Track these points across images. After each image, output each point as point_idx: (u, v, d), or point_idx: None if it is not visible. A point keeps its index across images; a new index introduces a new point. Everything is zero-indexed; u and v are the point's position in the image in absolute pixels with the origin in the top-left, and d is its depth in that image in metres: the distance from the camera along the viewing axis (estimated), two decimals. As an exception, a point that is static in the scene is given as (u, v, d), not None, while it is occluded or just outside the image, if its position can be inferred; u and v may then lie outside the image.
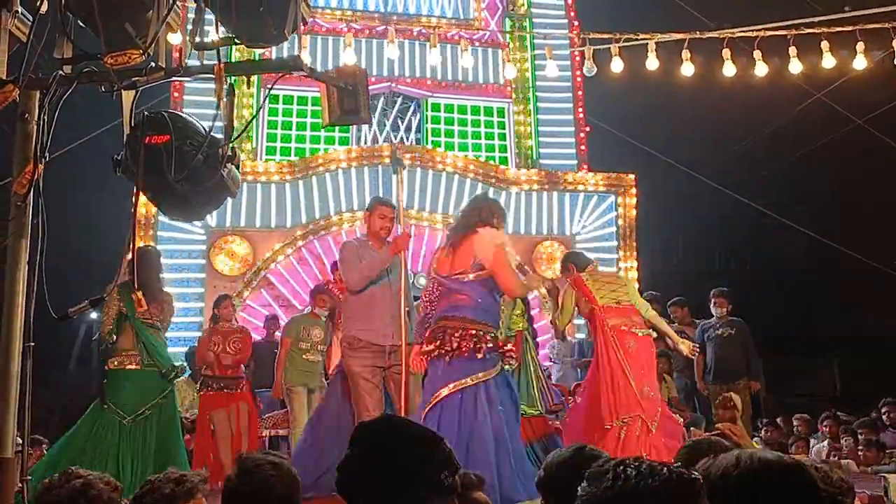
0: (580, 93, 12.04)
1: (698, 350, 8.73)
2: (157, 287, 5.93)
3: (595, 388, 5.92)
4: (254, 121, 11.04)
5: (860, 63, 8.19)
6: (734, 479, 1.70)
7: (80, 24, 3.28)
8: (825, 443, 8.49)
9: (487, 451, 4.59)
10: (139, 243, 8.92)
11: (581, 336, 9.96)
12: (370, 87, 12.16)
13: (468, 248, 5.01)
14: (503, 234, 5.16)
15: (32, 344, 3.27)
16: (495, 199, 6.23)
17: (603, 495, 1.64)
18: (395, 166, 5.92)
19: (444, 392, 4.76)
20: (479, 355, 4.80)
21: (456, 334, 4.83)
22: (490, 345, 4.86)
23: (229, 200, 10.40)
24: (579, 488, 1.72)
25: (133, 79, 3.21)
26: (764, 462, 1.72)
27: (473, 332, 4.85)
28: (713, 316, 8.65)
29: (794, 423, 9.27)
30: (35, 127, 3.29)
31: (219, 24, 3.32)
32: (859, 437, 8.08)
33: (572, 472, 2.34)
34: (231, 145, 3.32)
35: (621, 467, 1.67)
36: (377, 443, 2.07)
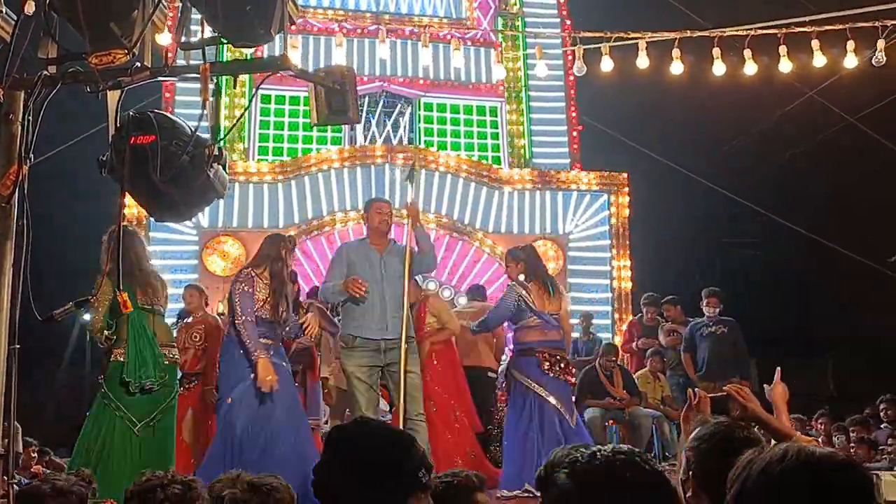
0: (573, 92, 12.04)
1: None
2: (148, 269, 5.40)
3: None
4: (245, 121, 11.04)
5: (850, 62, 8.21)
6: (779, 473, 1.59)
7: (68, 24, 3.26)
8: (819, 440, 8.50)
9: None
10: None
11: (575, 335, 9.93)
12: (362, 87, 12.13)
13: (560, 298, 6.38)
14: None
15: (18, 346, 3.24)
16: None
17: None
18: (410, 175, 6.28)
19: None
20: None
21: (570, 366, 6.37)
22: None
23: (222, 201, 10.39)
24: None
25: (118, 79, 3.18)
26: (815, 457, 1.61)
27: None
28: (704, 315, 8.65)
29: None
30: (20, 127, 3.26)
31: (205, 23, 3.30)
32: (851, 434, 8.10)
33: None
34: (218, 145, 3.30)
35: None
36: (351, 445, 2.08)
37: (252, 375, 5.05)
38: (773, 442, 2.75)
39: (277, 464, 4.72)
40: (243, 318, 5.10)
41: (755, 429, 2.93)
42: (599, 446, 1.79)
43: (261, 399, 5.05)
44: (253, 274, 5.27)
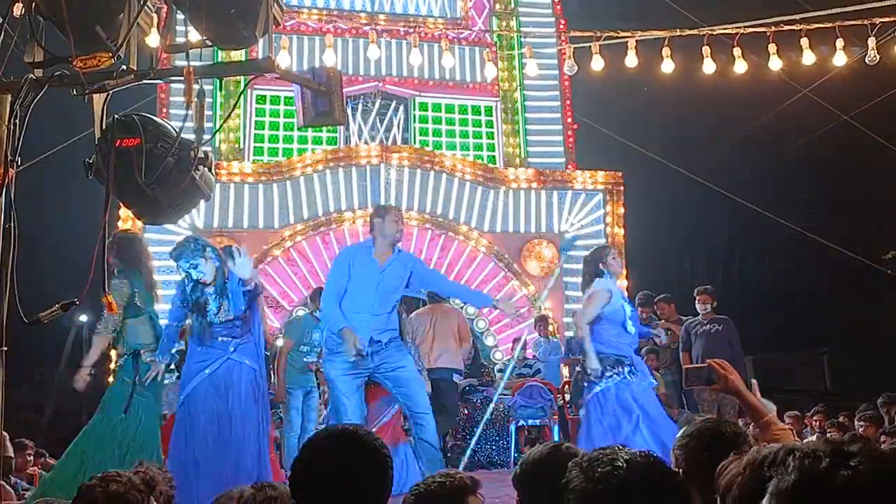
0: (567, 91, 12.04)
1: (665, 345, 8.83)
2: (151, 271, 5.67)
3: None
4: (240, 121, 11.05)
5: (840, 59, 8.23)
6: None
7: (55, 27, 3.28)
8: (813, 437, 8.50)
9: None
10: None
11: (569, 334, 9.97)
12: (358, 87, 12.06)
13: None
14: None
15: (6, 349, 3.26)
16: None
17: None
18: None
19: None
20: None
21: None
22: None
23: (216, 202, 10.36)
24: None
25: (103, 82, 3.20)
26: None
27: None
28: (699, 314, 8.66)
29: (786, 420, 9.29)
30: (6, 131, 3.28)
31: (190, 26, 3.31)
32: (859, 428, 8.03)
33: (549, 470, 2.32)
34: (203, 148, 3.32)
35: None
36: (329, 454, 2.09)
37: (206, 371, 5.05)
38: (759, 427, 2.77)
39: (234, 458, 4.83)
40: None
41: (742, 425, 2.94)
42: (620, 451, 1.78)
43: (217, 393, 5.02)
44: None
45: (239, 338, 5.19)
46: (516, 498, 2.53)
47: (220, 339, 5.15)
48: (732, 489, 1.68)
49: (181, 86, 10.42)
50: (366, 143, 11.46)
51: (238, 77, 9.71)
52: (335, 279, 5.68)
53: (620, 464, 1.70)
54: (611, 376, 5.68)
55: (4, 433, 6.14)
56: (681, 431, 2.59)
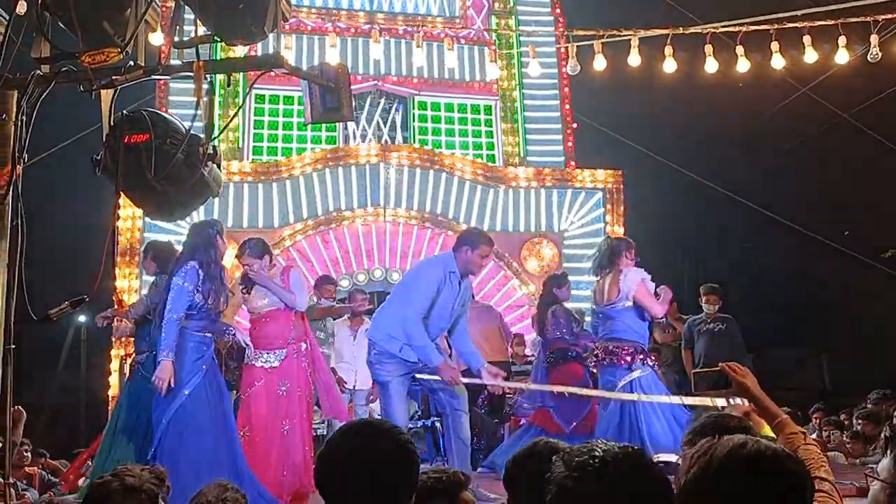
0: (567, 90, 12.03)
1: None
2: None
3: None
4: (240, 120, 11.01)
5: (842, 57, 8.25)
6: (735, 463, 1.68)
7: (60, 23, 3.25)
8: (813, 435, 8.50)
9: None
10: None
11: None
12: (356, 86, 12.01)
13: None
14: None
15: (14, 346, 3.24)
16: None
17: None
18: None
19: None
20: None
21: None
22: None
23: (216, 200, 10.34)
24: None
25: (111, 77, 3.18)
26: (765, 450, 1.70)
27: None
28: (702, 312, 8.66)
29: (782, 417, 9.27)
30: (13, 127, 3.26)
31: (198, 21, 3.30)
32: (857, 426, 8.03)
33: (530, 466, 2.34)
34: (212, 143, 3.30)
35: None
36: (356, 447, 2.08)
37: (204, 367, 5.02)
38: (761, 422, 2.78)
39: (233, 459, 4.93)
40: (173, 315, 4.92)
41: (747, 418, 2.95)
42: (599, 442, 1.80)
43: (210, 395, 5.03)
44: (196, 268, 5.04)
45: (213, 334, 5.19)
46: (507, 499, 2.52)
47: (206, 333, 5.11)
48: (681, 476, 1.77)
49: (180, 85, 10.42)
50: (362, 141, 11.44)
51: (238, 75, 9.76)
52: (422, 297, 5.60)
53: (598, 454, 1.75)
54: None
55: (23, 411, 6.20)
56: (689, 427, 2.62)
